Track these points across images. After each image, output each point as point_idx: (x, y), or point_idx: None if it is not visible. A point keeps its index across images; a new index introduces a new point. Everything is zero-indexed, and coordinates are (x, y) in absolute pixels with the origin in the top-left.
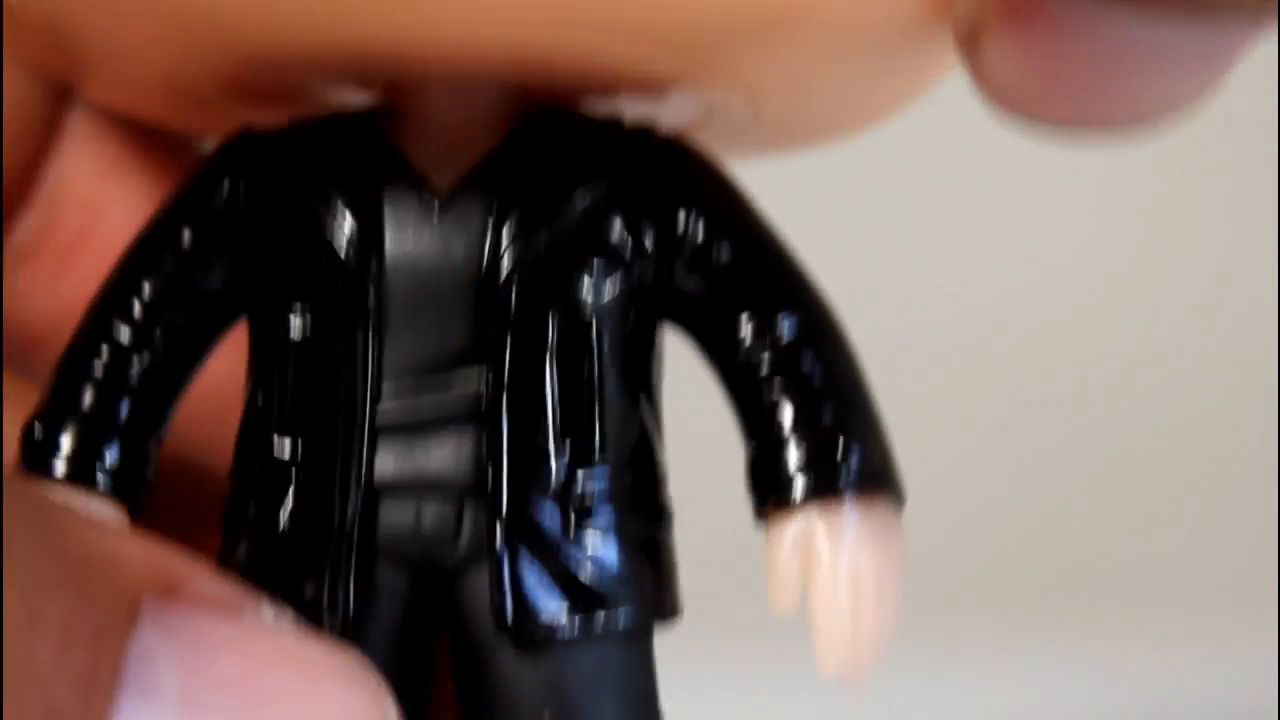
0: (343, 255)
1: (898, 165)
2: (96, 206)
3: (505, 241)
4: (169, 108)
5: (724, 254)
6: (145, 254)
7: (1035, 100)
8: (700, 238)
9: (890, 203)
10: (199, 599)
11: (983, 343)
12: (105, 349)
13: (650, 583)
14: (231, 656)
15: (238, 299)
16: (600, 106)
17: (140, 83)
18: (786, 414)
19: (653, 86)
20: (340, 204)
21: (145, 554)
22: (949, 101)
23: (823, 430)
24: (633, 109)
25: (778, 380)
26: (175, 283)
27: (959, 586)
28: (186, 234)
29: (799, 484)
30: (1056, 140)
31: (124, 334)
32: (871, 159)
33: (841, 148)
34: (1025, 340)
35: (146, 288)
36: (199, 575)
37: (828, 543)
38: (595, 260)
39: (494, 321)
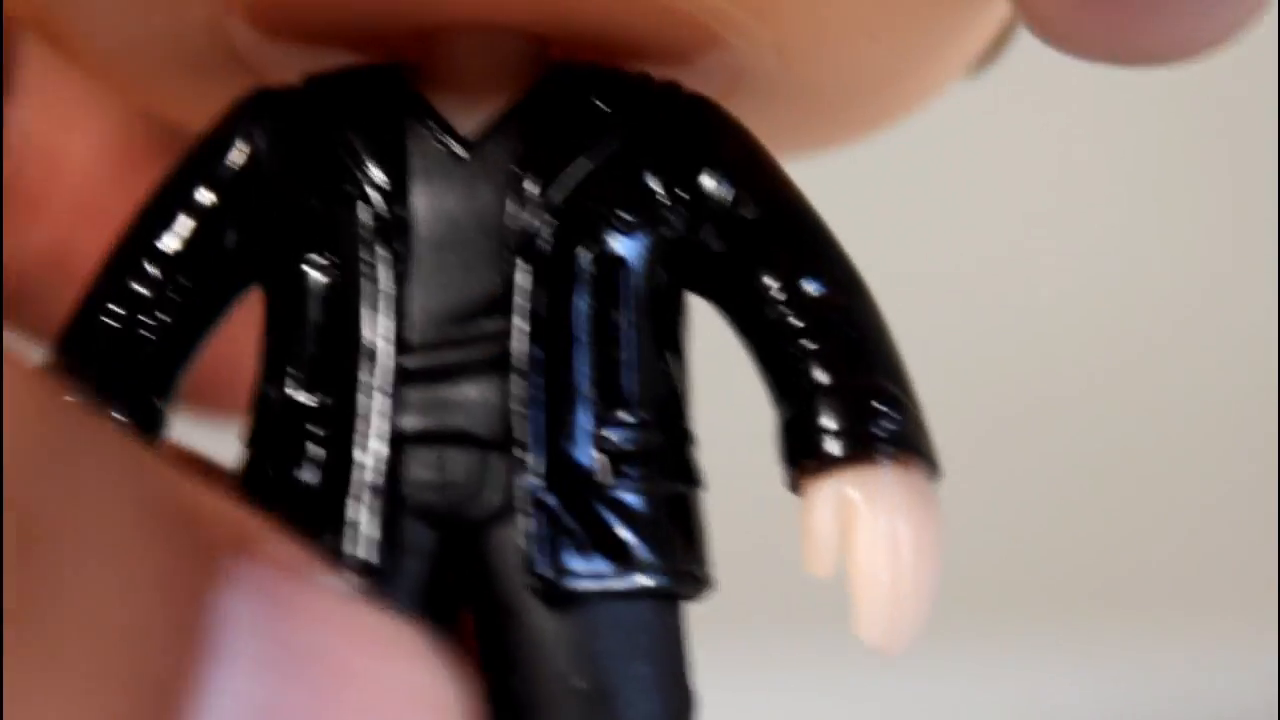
0: (368, 202)
1: (898, 164)
2: (57, 155)
3: (531, 189)
4: (163, 71)
5: (751, 212)
6: (160, 212)
7: (1079, 30)
8: (727, 195)
9: (890, 202)
10: (273, 560)
11: (981, 344)
12: (117, 309)
13: (681, 548)
14: (310, 624)
15: (258, 258)
16: (627, 67)
17: (135, 36)
18: (818, 374)
19: (680, 46)
20: (364, 152)
21: (222, 509)
22: (950, 101)
23: (857, 391)
24: (660, 73)
25: (807, 340)
26: (193, 243)
27: (958, 587)
28: (203, 192)
29: (835, 445)
30: (1099, 67)
31: (137, 295)
32: (871, 158)
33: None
34: (1023, 342)
35: (161, 247)
36: (270, 535)
37: (866, 505)
38: (622, 211)
39: (520, 269)
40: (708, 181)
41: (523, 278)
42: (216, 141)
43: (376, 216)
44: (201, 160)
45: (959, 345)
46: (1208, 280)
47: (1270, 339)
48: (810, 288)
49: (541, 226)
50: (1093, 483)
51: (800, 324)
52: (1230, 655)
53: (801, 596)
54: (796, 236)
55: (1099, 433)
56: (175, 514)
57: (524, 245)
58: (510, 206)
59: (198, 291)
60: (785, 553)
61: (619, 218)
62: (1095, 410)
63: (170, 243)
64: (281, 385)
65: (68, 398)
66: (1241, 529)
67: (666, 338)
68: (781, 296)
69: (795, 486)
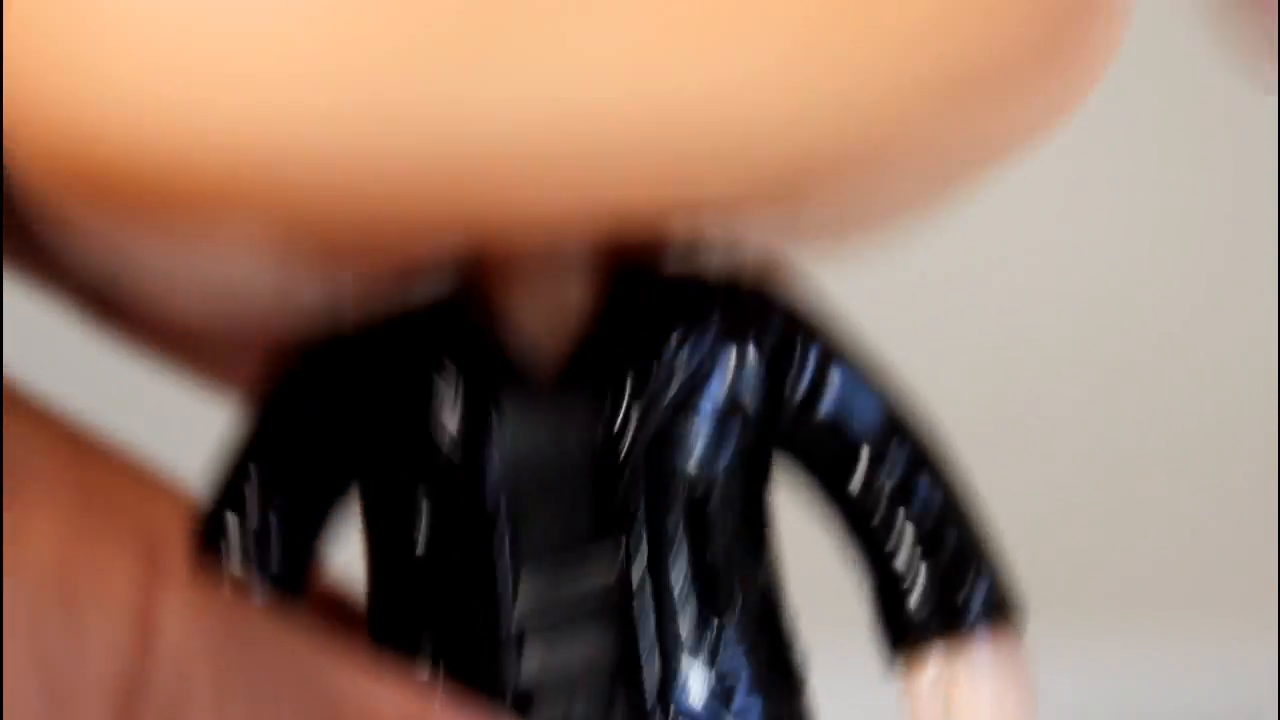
0: (453, 457)
1: None
2: None
3: (618, 420)
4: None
5: (831, 391)
6: (241, 476)
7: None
8: (806, 378)
9: None
10: None
11: (980, 345)
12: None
13: None
14: None
15: (348, 478)
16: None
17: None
18: (907, 548)
19: (738, 217)
20: (440, 402)
21: (399, 702)
22: None
23: (947, 564)
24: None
25: (895, 512)
26: (278, 493)
27: None
28: (279, 450)
29: (930, 623)
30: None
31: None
32: None
33: None
34: (1021, 343)
35: (250, 500)
36: None
37: (967, 680)
38: (711, 423)
39: (617, 504)
40: (786, 369)
41: (620, 513)
42: (287, 398)
43: (461, 471)
44: (275, 419)
45: (957, 345)
46: (1209, 282)
47: (1270, 339)
48: (895, 459)
49: (632, 459)
50: (1090, 482)
51: (886, 497)
52: (1230, 656)
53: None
54: (877, 408)
55: (1097, 432)
56: (347, 709)
57: (617, 481)
58: (599, 443)
59: (297, 518)
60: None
61: (709, 431)
62: (1094, 410)
63: (256, 496)
64: (392, 647)
65: (227, 596)
66: (1241, 528)
67: (760, 533)
68: (866, 471)
69: (891, 661)
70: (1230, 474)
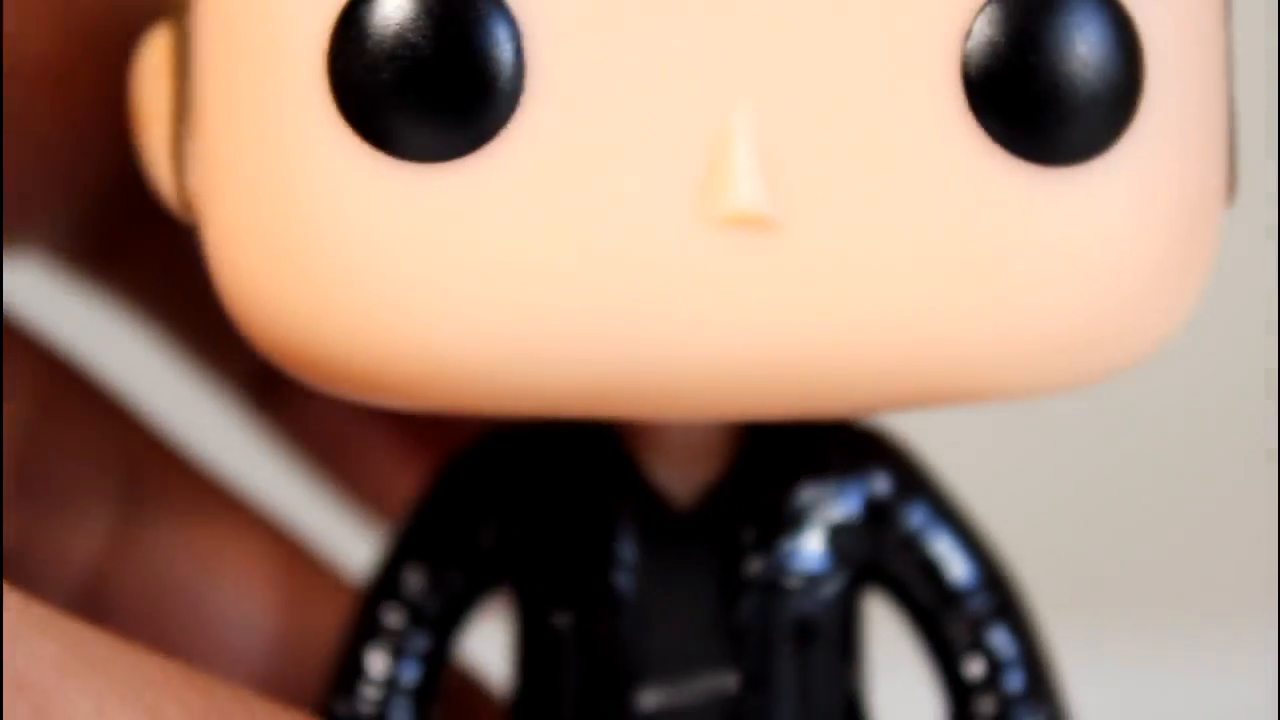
0: (594, 576)
1: None
2: None
3: (744, 554)
4: None
5: (933, 544)
6: (395, 582)
7: None
8: (913, 529)
9: None
10: None
11: None
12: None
13: None
14: None
15: (499, 573)
16: None
17: None
18: (979, 683)
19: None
20: (582, 523)
21: None
22: None
23: (1012, 699)
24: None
25: (973, 653)
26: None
27: None
28: (440, 541)
29: None
30: None
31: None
32: None
33: None
34: None
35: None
36: None
37: None
38: (824, 557)
39: (737, 625)
40: (901, 520)
41: (738, 639)
42: (454, 492)
43: (598, 587)
44: (440, 511)
45: None
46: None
47: (1271, 340)
48: (977, 609)
49: (756, 594)
50: (1089, 484)
51: (967, 641)
52: (1230, 656)
53: None
54: (970, 561)
55: (1096, 433)
56: None
57: (740, 612)
58: (726, 576)
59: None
60: None
61: (826, 572)
62: (1092, 411)
63: (417, 589)
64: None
65: None
66: (1241, 530)
67: (856, 655)
68: (952, 619)
69: None
70: (1230, 475)
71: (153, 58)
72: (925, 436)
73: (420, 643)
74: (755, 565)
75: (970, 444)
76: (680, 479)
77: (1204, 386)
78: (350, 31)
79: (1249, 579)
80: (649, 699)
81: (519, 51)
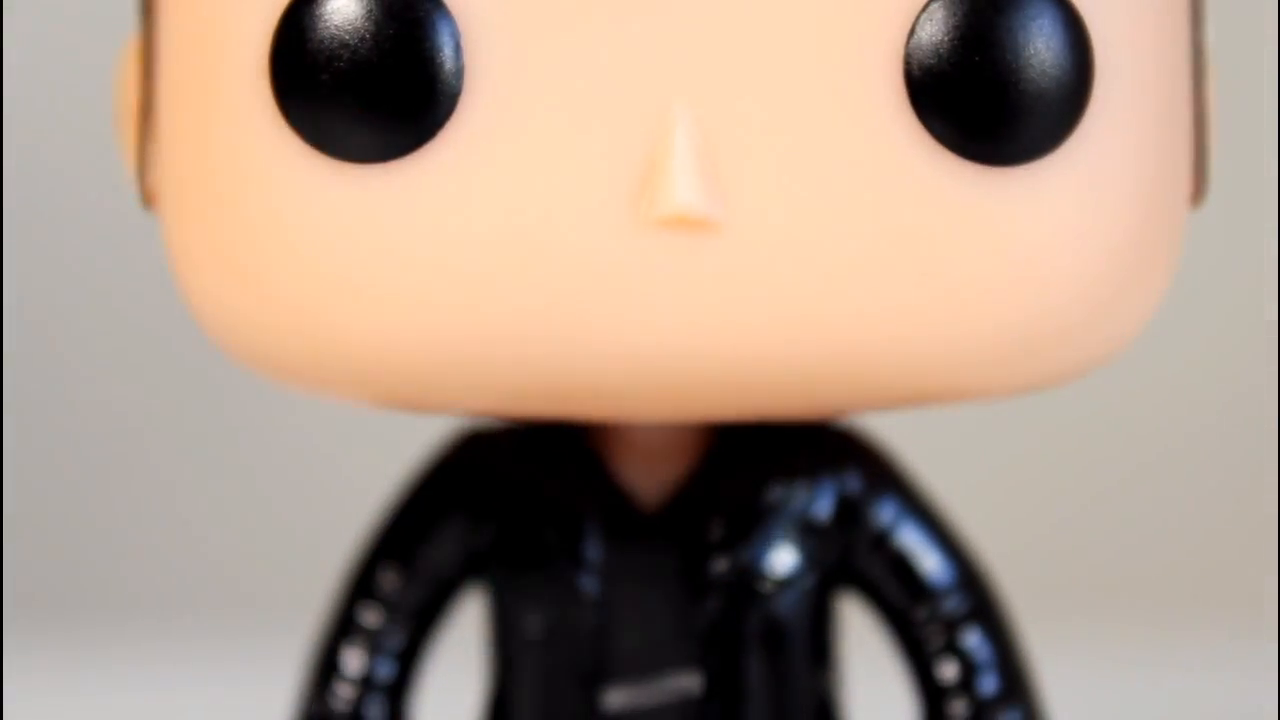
0: (563, 573)
1: None
2: None
3: (714, 559)
4: None
5: (904, 542)
6: (370, 581)
7: None
8: (883, 526)
9: None
10: None
11: None
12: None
13: None
14: None
15: (472, 571)
16: None
17: None
18: (953, 686)
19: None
20: (550, 524)
21: None
22: None
23: (985, 703)
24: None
25: (946, 655)
26: (412, 585)
27: None
28: (415, 540)
29: None
30: None
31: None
32: None
33: None
34: None
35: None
36: None
37: None
38: (793, 555)
39: (704, 621)
40: (871, 519)
41: (704, 637)
42: (430, 494)
43: (566, 583)
44: (416, 509)
45: None
46: (1209, 284)
47: (1271, 343)
48: (952, 610)
49: (722, 592)
50: (1087, 484)
51: (940, 643)
52: (1230, 657)
53: None
54: (943, 561)
55: (1094, 434)
56: None
57: (705, 611)
58: (692, 574)
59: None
60: None
61: (793, 571)
62: (1091, 413)
63: (391, 588)
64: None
65: None
66: (1241, 533)
67: (826, 658)
68: (926, 619)
69: None
70: (1229, 476)
71: (125, 60)
72: (915, 433)
73: (395, 640)
74: (722, 565)
75: (962, 442)
76: (648, 479)
77: (1205, 387)
78: (291, 33)
79: (1245, 578)
80: (615, 698)
81: (458, 52)
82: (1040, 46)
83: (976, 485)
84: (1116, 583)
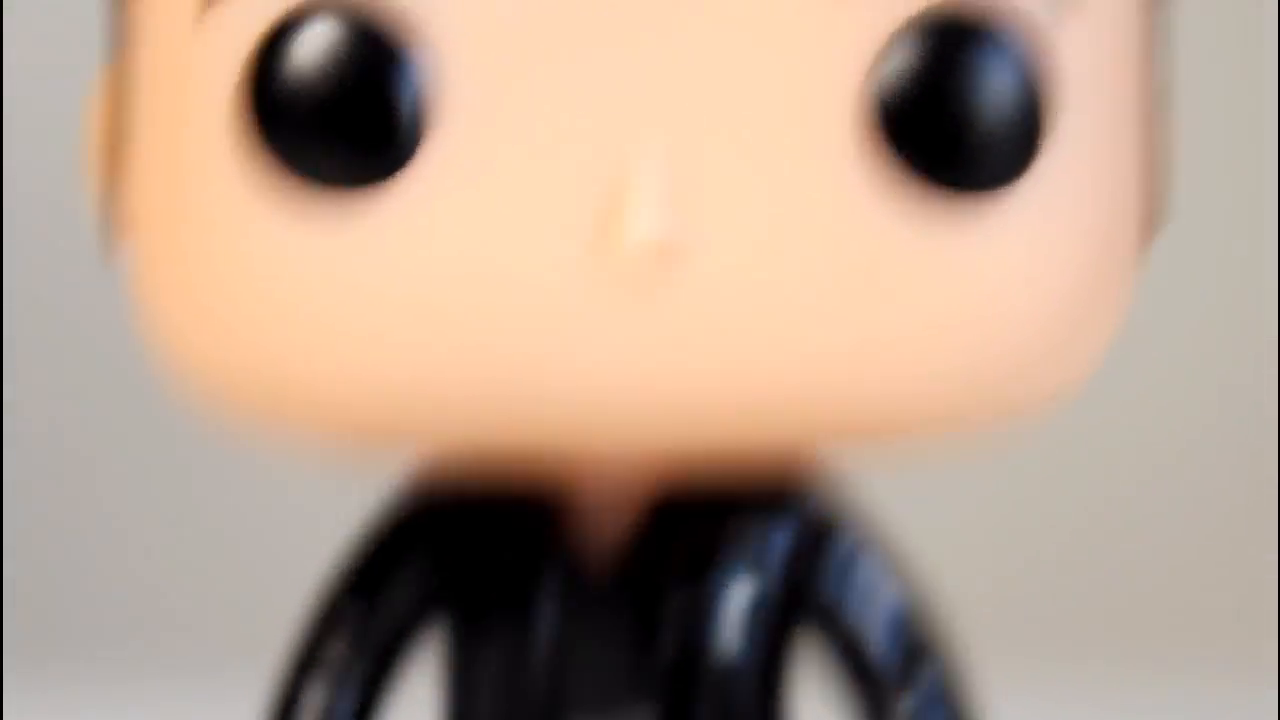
0: (513, 620)
1: None
2: None
3: (668, 599)
4: None
5: (855, 593)
6: (334, 617)
7: None
8: (832, 576)
9: None
10: None
11: None
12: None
13: None
14: None
15: (434, 610)
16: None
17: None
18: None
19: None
20: (506, 568)
21: None
22: None
23: None
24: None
25: (903, 704)
26: (365, 639)
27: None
28: (369, 603)
29: None
30: None
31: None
32: None
33: None
34: None
35: (339, 647)
36: None
37: None
38: (741, 613)
39: (658, 672)
40: (823, 590)
41: (656, 686)
42: (385, 557)
43: (517, 653)
44: (370, 573)
45: None
46: (1210, 285)
47: (1271, 344)
48: (918, 681)
49: (671, 651)
50: (1087, 514)
51: (892, 691)
52: (1229, 696)
53: None
54: (908, 640)
55: (1094, 457)
56: None
57: (655, 659)
58: (641, 639)
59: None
60: None
61: (745, 639)
62: (1090, 432)
63: (345, 641)
64: None
65: None
66: (1241, 557)
67: (776, 694)
68: (885, 692)
69: None
70: (1229, 502)
71: (97, 91)
72: (903, 470)
73: (358, 673)
74: (675, 606)
75: (957, 483)
76: (605, 520)
77: (1207, 411)
78: (260, 68)
79: (1248, 617)
80: None
81: (421, 91)
82: (999, 84)
83: (970, 525)
84: (1111, 625)
